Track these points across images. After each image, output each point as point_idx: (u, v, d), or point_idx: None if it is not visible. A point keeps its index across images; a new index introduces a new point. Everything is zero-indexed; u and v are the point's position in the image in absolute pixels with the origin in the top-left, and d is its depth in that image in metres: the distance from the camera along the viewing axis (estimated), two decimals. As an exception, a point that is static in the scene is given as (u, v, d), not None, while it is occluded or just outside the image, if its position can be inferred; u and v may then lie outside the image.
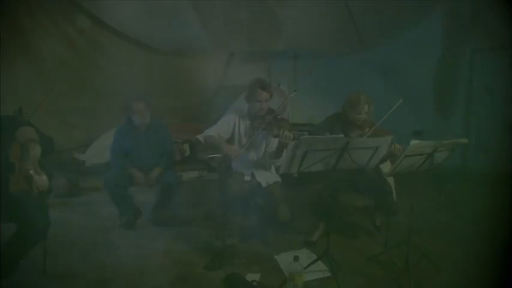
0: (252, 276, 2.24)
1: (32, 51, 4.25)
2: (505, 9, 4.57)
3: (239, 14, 4.26)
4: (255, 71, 6.03)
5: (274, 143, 2.56)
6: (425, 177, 2.25)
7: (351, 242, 2.80)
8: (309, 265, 2.22)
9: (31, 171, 2.17)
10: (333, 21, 4.61)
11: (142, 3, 4.02)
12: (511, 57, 4.78)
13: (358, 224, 3.15)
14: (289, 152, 1.86)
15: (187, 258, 2.52)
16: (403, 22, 4.99)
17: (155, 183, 3.02)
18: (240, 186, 2.53)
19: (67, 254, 2.57)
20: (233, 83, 6.28)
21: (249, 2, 4.06)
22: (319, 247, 2.60)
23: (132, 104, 3.00)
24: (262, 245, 2.71)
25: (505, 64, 4.84)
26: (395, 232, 2.67)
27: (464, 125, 5.17)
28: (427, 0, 4.72)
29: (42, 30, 4.20)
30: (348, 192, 2.79)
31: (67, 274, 2.29)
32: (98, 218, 3.35)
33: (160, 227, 3.08)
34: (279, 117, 2.55)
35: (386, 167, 2.69)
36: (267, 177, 2.64)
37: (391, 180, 2.76)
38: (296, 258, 1.96)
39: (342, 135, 2.06)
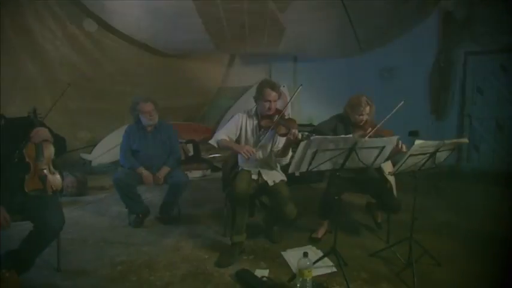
0: (261, 272, 2.31)
1: (40, 53, 4.30)
2: (497, 16, 4.77)
3: (241, 18, 4.32)
4: (255, 73, 6.16)
5: (281, 142, 2.64)
6: (422, 176, 2.32)
7: (354, 239, 2.88)
8: (317, 261, 2.30)
9: (45, 171, 2.23)
10: (332, 25, 4.71)
11: (147, 7, 4.07)
12: (502, 60, 4.97)
13: (360, 222, 3.24)
14: (299, 152, 1.92)
15: (197, 255, 2.58)
16: (400, 26, 5.12)
17: (163, 182, 3.07)
18: (248, 184, 2.59)
19: (79, 252, 2.63)
20: (234, 84, 6.39)
21: (251, 6, 4.13)
22: (324, 244, 2.70)
23: (141, 104, 3.05)
24: (269, 242, 2.79)
25: (496, 67, 5.03)
26: (396, 229, 2.78)
27: (458, 125, 5.33)
28: (422, 6, 4.85)
29: (50, 32, 4.26)
30: (351, 190, 2.86)
31: (80, 271, 2.34)
32: (106, 216, 3.40)
33: (168, 225, 3.13)
34: (286, 117, 2.62)
35: (387, 166, 2.80)
36: (273, 176, 2.70)
37: (391, 178, 2.84)
38: (305, 254, 2.03)
39: (351, 135, 2.13)
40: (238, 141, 2.71)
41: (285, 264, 2.44)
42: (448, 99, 5.32)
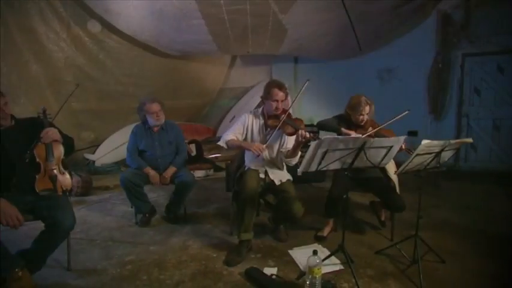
0: (270, 270, 2.33)
1: (44, 54, 4.31)
2: (494, 18, 4.87)
3: (244, 19, 4.36)
4: (256, 74, 6.20)
5: (290, 142, 2.67)
6: (424, 175, 2.36)
7: (359, 237, 2.92)
8: (325, 258, 2.34)
9: (55, 171, 2.24)
10: (333, 27, 4.76)
11: (151, 9, 4.09)
12: (499, 61, 5.07)
13: (365, 220, 3.29)
14: (310, 151, 1.95)
15: (205, 254, 2.60)
16: (399, 28, 5.20)
17: (170, 182, 3.09)
18: (258, 182, 2.61)
19: (88, 251, 2.64)
20: (235, 85, 6.42)
21: (254, 7, 4.17)
22: (329, 242, 2.74)
23: (147, 105, 3.07)
24: (275, 241, 2.82)
25: (493, 68, 5.12)
26: (400, 227, 2.83)
27: (456, 125, 5.41)
28: (421, 8, 4.94)
29: (55, 33, 4.28)
30: (355, 189, 2.89)
31: (90, 271, 2.36)
32: (112, 216, 3.41)
33: (174, 225, 3.15)
34: (293, 117, 2.65)
35: (390, 165, 2.84)
36: (280, 176, 2.73)
37: (394, 177, 2.88)
38: (315, 252, 2.06)
39: (360, 135, 2.17)
40: (245, 140, 2.73)
41: (292, 262, 2.47)
42: (446, 100, 5.40)
